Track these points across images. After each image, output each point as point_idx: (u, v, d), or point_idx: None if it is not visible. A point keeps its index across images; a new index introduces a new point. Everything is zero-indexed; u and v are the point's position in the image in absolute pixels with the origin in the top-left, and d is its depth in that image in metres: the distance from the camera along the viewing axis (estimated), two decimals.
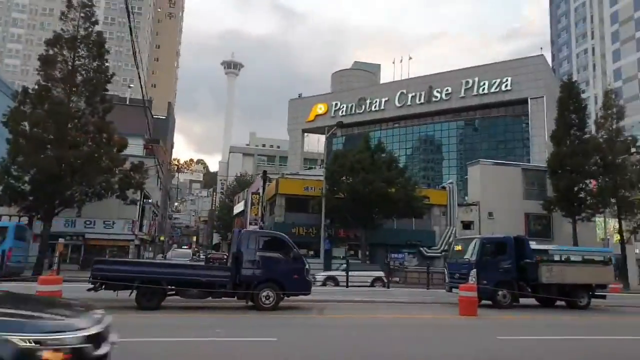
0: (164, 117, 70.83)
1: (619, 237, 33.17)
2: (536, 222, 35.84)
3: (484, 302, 15.28)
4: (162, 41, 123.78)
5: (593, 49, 78.44)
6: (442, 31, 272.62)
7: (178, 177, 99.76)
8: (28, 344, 3.24)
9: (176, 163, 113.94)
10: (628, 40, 69.76)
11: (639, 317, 15.04)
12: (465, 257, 16.38)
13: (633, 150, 35.40)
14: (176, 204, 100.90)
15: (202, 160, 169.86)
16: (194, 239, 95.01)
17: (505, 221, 32.30)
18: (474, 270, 15.43)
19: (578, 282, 16.15)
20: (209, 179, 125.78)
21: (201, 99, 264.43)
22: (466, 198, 36.95)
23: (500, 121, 59.73)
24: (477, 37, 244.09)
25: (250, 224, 35.77)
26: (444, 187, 37.34)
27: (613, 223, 34.50)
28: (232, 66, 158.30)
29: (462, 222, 34.21)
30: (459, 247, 17.49)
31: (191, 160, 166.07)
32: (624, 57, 70.22)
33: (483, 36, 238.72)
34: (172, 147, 75.65)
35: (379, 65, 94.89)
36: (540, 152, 49.23)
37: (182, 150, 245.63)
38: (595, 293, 16.57)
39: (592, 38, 78.65)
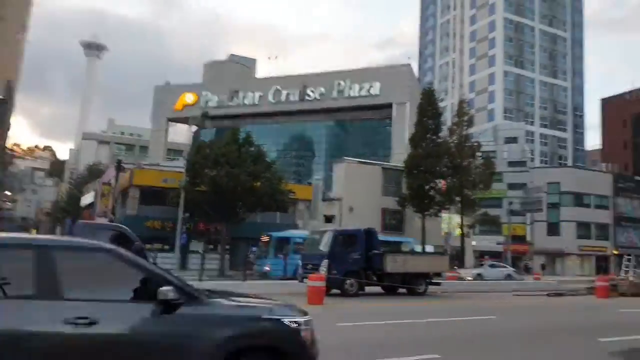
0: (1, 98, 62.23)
1: (460, 231, 37.54)
2: (391, 217, 39.05)
3: (334, 291, 16.14)
4: (6, 12, 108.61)
5: (454, 62, 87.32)
6: (321, 33, 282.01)
7: (16, 164, 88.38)
8: (294, 325, 4.13)
9: (14, 148, 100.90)
10: (482, 57, 79.31)
11: (466, 301, 17.03)
12: (319, 248, 17.09)
13: (478, 154, 40.32)
14: (8, 193, 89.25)
15: (50, 147, 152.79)
16: (34, 232, 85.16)
17: (365, 216, 34.43)
18: (326, 261, 16.18)
19: (418, 271, 17.85)
20: (57, 168, 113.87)
21: (55, 80, 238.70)
22: (330, 194, 38.75)
23: (368, 123, 63.68)
24: (355, 43, 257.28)
25: (99, 216, 33.14)
26: (310, 183, 38.64)
27: (456, 219, 38.88)
28: (93, 47, 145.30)
29: (325, 216, 35.74)
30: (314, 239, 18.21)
31: (36, 146, 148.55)
32: (478, 71, 79.69)
33: (360, 42, 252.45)
34: (8, 129, 66.71)
35: (255, 60, 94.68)
36: (401, 153, 53.49)
37: (26, 134, 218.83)
38: (433, 281, 18.49)
39: (454, 52, 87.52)
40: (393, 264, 17.08)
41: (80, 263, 3.71)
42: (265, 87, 65.72)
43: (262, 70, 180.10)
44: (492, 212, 41.91)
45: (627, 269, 27.01)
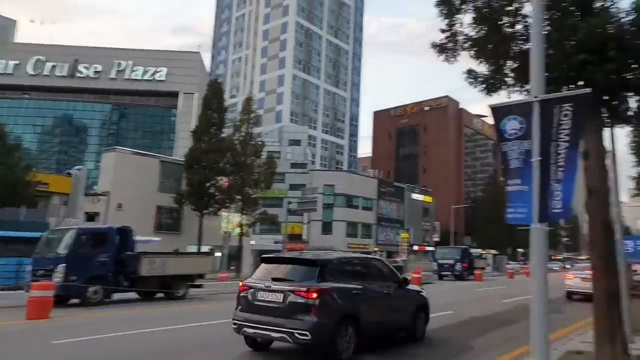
0: None
1: (239, 231, 37.84)
2: (168, 215, 37.15)
3: (74, 300, 14.09)
4: None
5: (247, 58, 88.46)
6: (112, 8, 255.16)
7: None
8: (425, 294, 10.27)
9: None
10: (273, 57, 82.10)
11: (226, 303, 16.58)
12: (55, 250, 14.64)
13: (263, 154, 41.25)
14: None
15: None
16: None
17: (136, 213, 32.03)
18: (63, 265, 13.95)
19: (179, 273, 16.83)
20: None
21: None
22: (95, 187, 34.83)
23: (151, 111, 59.95)
24: (149, 24, 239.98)
25: None
26: (69, 174, 33.96)
27: (237, 218, 39.05)
28: None
29: (86, 213, 31.83)
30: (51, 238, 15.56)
31: None
32: (269, 72, 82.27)
33: (156, 24, 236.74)
34: None
35: (15, 21, 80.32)
36: (185, 146, 51.79)
37: None
38: (195, 283, 17.70)
39: (247, 49, 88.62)
40: (150, 267, 15.74)
41: (379, 267, 9.25)
42: (24, 55, 56.13)
43: (25, 37, 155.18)
44: (275, 211, 43.52)
45: None
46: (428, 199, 74.33)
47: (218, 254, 39.92)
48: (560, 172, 5.36)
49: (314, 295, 7.03)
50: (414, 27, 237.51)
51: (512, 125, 5.67)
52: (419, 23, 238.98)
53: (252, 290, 7.60)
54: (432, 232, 73.07)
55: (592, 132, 7.44)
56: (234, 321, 7.63)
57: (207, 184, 35.29)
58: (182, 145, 52.91)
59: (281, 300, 7.19)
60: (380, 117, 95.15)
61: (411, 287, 9.82)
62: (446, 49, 7.66)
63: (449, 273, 37.84)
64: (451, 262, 38.67)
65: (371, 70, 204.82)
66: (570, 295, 18.98)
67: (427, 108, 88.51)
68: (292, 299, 7.12)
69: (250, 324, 7.38)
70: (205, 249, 33.58)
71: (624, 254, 9.84)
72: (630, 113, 7.94)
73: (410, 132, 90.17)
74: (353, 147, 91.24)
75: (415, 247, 65.43)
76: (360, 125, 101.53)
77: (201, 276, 18.08)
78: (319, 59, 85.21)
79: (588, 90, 5.46)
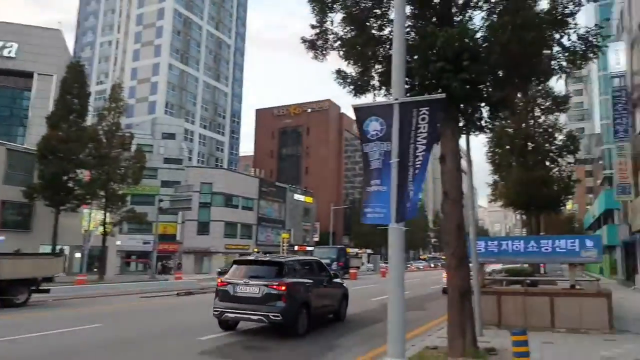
0: None
1: (103, 230, 35.24)
2: (16, 211, 33.49)
3: None
4: None
5: (117, 42, 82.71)
6: None
7: None
8: (345, 286, 14.22)
9: None
10: (148, 44, 77.76)
11: (79, 309, 15.29)
12: None
13: (133, 146, 38.85)
14: None
15: None
16: None
17: None
18: None
19: (17, 277, 15.10)
20: None
21: None
22: None
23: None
24: None
25: None
26: None
27: (100, 215, 36.30)
28: None
29: None
30: None
31: None
32: (142, 59, 77.79)
33: None
34: None
35: None
36: (41, 134, 46.95)
37: None
38: (40, 287, 16.04)
39: (118, 32, 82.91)
40: None
41: (318, 265, 12.51)
42: None
43: None
44: (145, 209, 41.15)
45: None
46: (309, 199, 76.01)
47: (78, 255, 36.93)
48: (417, 173, 5.70)
49: (283, 287, 9.98)
50: (298, 26, 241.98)
51: (373, 126, 5.91)
52: (303, 22, 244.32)
53: (230, 285, 10.40)
54: (313, 232, 74.91)
55: (449, 138, 8.09)
56: (215, 309, 10.38)
57: (65, 177, 32.26)
58: (36, 133, 47.67)
59: (257, 292, 10.08)
60: (263, 115, 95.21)
61: (336, 280, 13.09)
62: (316, 45, 7.76)
63: None
64: (328, 261, 39.91)
65: (256, 68, 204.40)
66: (445, 291, 20.81)
67: (309, 110, 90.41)
68: (266, 291, 10.01)
69: (231, 311, 10.17)
70: (64, 249, 30.75)
71: (477, 254, 10.87)
72: (483, 122, 8.79)
73: (293, 133, 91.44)
74: (234, 144, 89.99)
75: (296, 247, 66.53)
76: (242, 122, 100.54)
77: (49, 279, 16.42)
78: (198, 50, 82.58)
79: (443, 94, 5.91)
